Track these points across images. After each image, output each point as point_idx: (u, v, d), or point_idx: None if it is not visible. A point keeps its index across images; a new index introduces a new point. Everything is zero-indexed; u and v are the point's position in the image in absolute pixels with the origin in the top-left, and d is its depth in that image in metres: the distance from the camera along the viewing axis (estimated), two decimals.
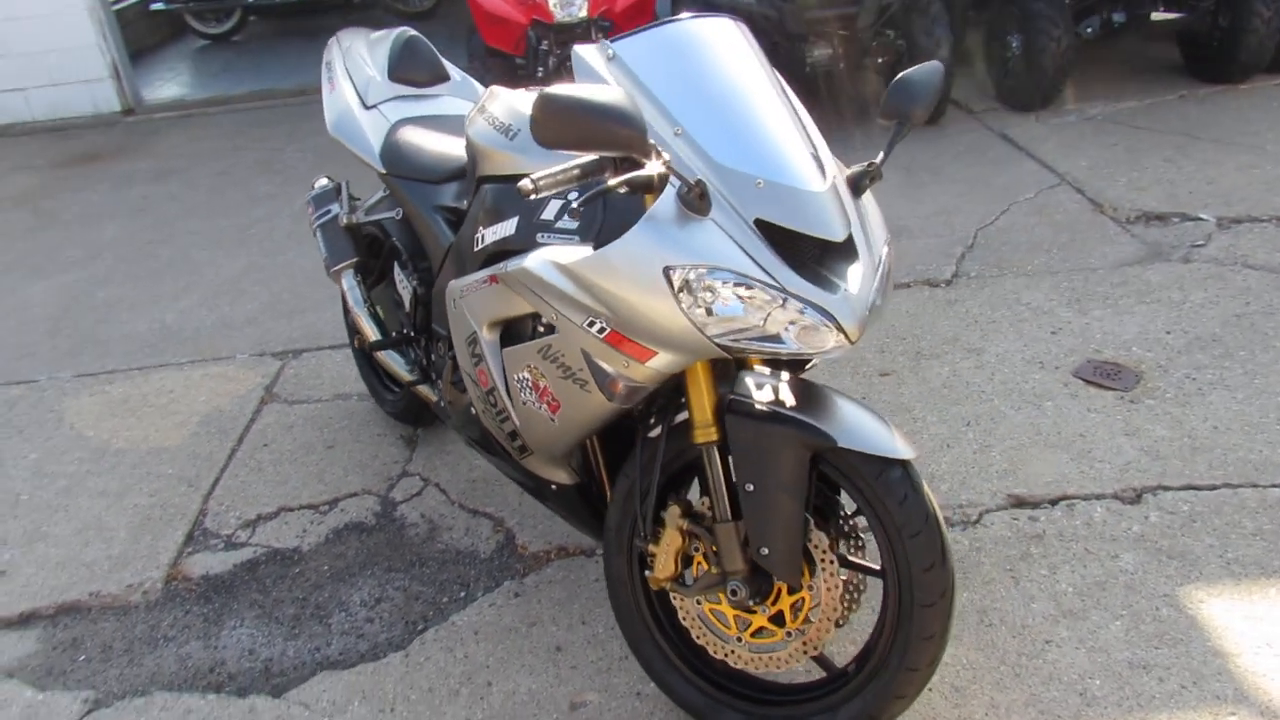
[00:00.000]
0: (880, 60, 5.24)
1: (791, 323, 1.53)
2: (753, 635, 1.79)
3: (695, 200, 1.51)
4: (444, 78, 2.66)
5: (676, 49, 1.67)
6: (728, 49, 1.69)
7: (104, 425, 3.26)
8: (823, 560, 1.70)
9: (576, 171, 1.59)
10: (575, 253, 1.64)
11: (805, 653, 1.75)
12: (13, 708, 2.17)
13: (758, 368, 1.79)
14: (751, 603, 1.74)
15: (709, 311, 1.51)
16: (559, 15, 5.06)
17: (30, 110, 7.30)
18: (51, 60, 7.14)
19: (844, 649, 2.04)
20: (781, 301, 1.51)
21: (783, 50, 5.09)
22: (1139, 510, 2.37)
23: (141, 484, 2.92)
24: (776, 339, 1.55)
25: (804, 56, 5.04)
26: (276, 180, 5.59)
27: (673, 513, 1.78)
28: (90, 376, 3.60)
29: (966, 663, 2.01)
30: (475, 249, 2.01)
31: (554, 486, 2.04)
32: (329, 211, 2.70)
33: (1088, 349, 3.08)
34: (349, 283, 2.62)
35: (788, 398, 1.69)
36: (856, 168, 1.72)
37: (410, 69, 2.60)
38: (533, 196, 1.54)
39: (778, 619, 1.77)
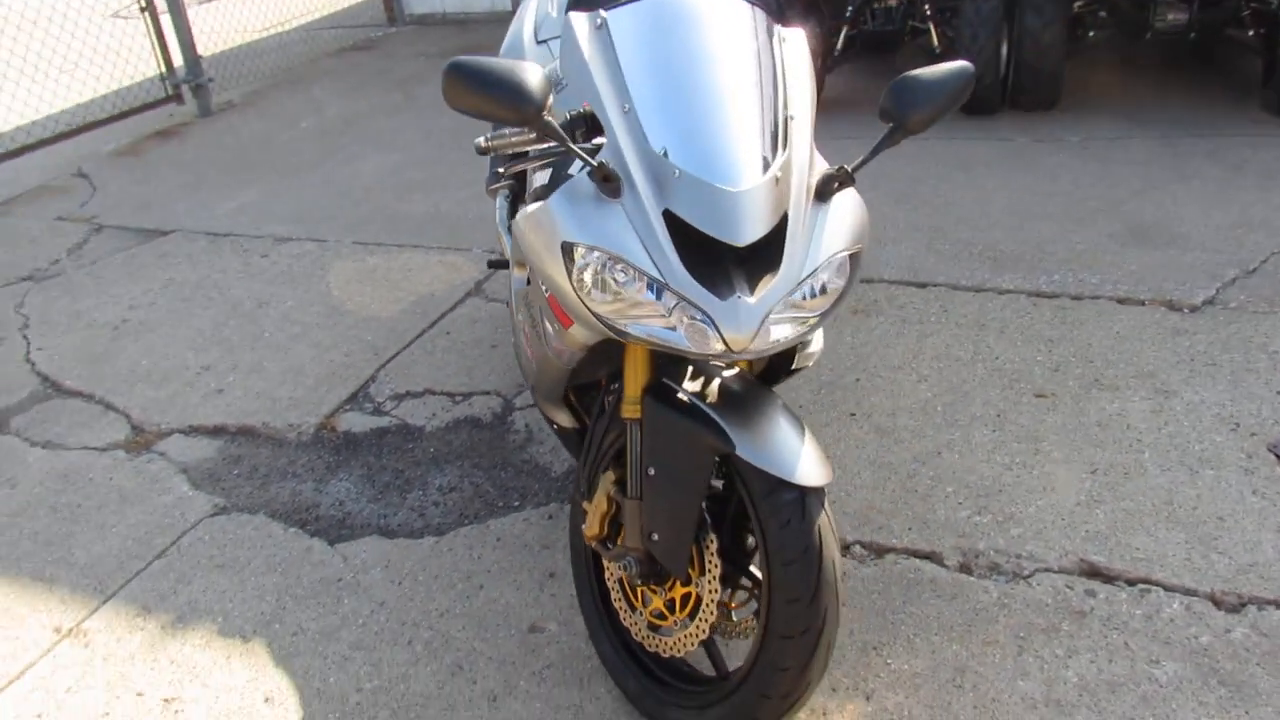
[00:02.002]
0: (1252, 33, 4.40)
1: (680, 321, 1.50)
2: (651, 614, 1.82)
3: (601, 183, 1.52)
4: None
5: (662, 25, 1.64)
6: (718, 30, 1.63)
7: (348, 288, 3.84)
8: (709, 562, 1.68)
9: (532, 135, 1.65)
10: (528, 209, 1.71)
11: (687, 645, 1.75)
12: (168, 496, 2.74)
13: (714, 362, 1.75)
14: (640, 582, 1.76)
15: (600, 293, 1.53)
16: None
17: (443, 4, 8.32)
18: None
19: None
20: (660, 297, 1.48)
21: (1120, 11, 4.45)
22: (1227, 620, 1.98)
23: (345, 344, 3.43)
24: (675, 331, 1.52)
25: (1146, 21, 4.37)
26: None
27: (606, 478, 1.83)
28: (363, 245, 4.23)
29: (905, 714, 1.86)
30: (530, 190, 2.13)
31: (555, 426, 2.16)
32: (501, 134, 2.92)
33: None
34: (499, 203, 2.85)
35: (714, 394, 1.66)
36: (829, 170, 1.60)
37: (588, 4, 2.71)
38: (487, 155, 1.63)
39: (672, 605, 1.78)
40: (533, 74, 1.48)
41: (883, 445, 2.61)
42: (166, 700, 2.07)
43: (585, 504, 1.87)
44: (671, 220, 1.50)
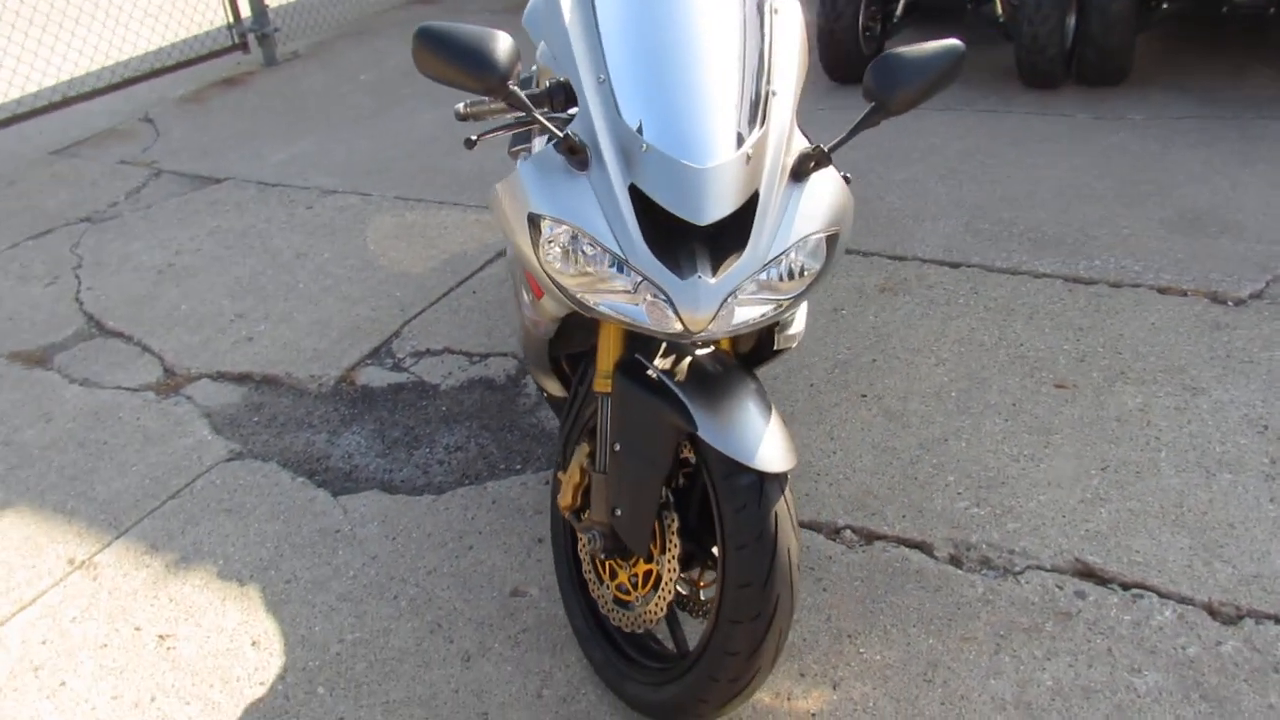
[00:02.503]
0: None
1: (642, 298, 1.49)
2: (616, 588, 1.82)
3: (567, 154, 1.50)
4: None
5: None
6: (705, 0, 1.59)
7: (383, 242, 3.88)
8: (670, 541, 1.67)
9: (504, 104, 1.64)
10: (508, 178, 1.70)
11: (648, 621, 1.75)
12: (189, 438, 2.83)
13: (685, 341, 1.73)
14: (603, 556, 1.77)
15: (566, 266, 1.52)
16: None
17: None
18: None
19: None
20: (626, 273, 1.47)
21: None
22: (1221, 632, 1.91)
23: (374, 298, 3.48)
24: (638, 308, 1.51)
25: None
26: None
27: (580, 449, 1.83)
28: (404, 200, 4.27)
29: (870, 705, 1.84)
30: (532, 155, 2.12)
31: (545, 393, 2.16)
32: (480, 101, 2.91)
33: None
34: (518, 165, 2.84)
35: (683, 373, 1.64)
36: (806, 149, 1.55)
37: None
38: (466, 121, 1.63)
39: (635, 580, 1.78)
40: (501, 43, 1.47)
41: (889, 429, 2.56)
42: (161, 636, 2.15)
43: (560, 474, 1.88)
44: (640, 196, 1.48)
